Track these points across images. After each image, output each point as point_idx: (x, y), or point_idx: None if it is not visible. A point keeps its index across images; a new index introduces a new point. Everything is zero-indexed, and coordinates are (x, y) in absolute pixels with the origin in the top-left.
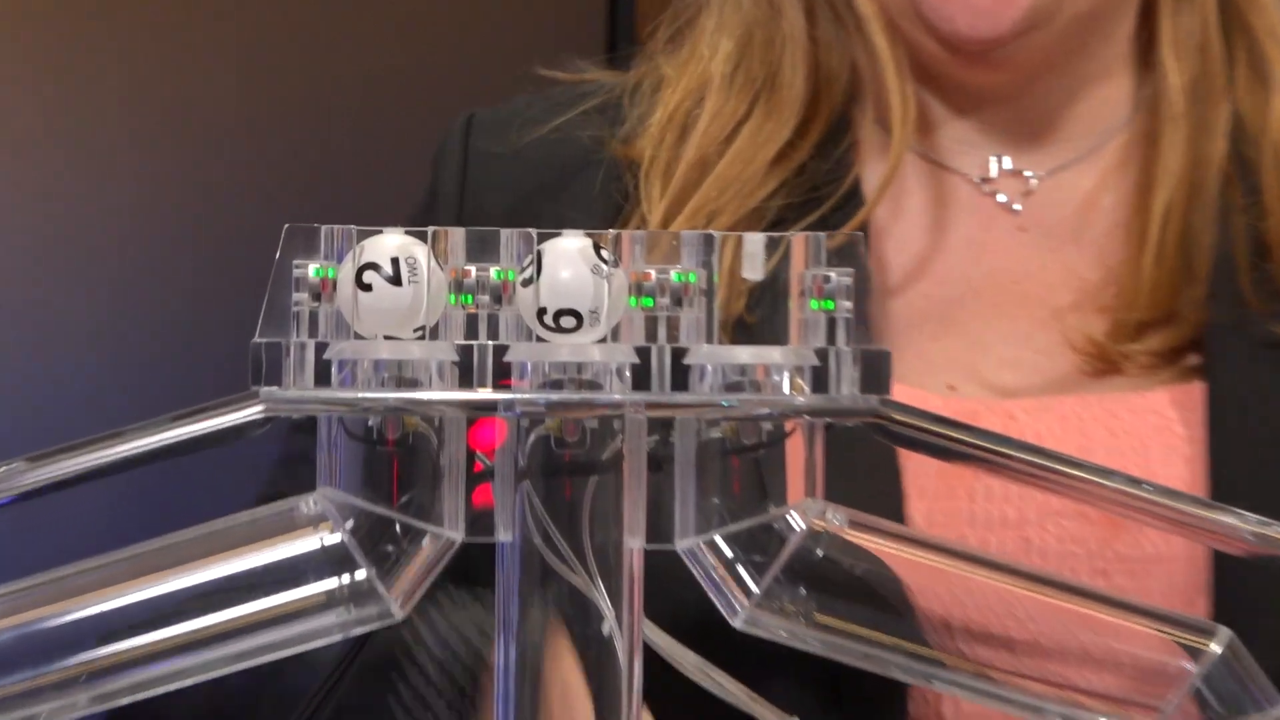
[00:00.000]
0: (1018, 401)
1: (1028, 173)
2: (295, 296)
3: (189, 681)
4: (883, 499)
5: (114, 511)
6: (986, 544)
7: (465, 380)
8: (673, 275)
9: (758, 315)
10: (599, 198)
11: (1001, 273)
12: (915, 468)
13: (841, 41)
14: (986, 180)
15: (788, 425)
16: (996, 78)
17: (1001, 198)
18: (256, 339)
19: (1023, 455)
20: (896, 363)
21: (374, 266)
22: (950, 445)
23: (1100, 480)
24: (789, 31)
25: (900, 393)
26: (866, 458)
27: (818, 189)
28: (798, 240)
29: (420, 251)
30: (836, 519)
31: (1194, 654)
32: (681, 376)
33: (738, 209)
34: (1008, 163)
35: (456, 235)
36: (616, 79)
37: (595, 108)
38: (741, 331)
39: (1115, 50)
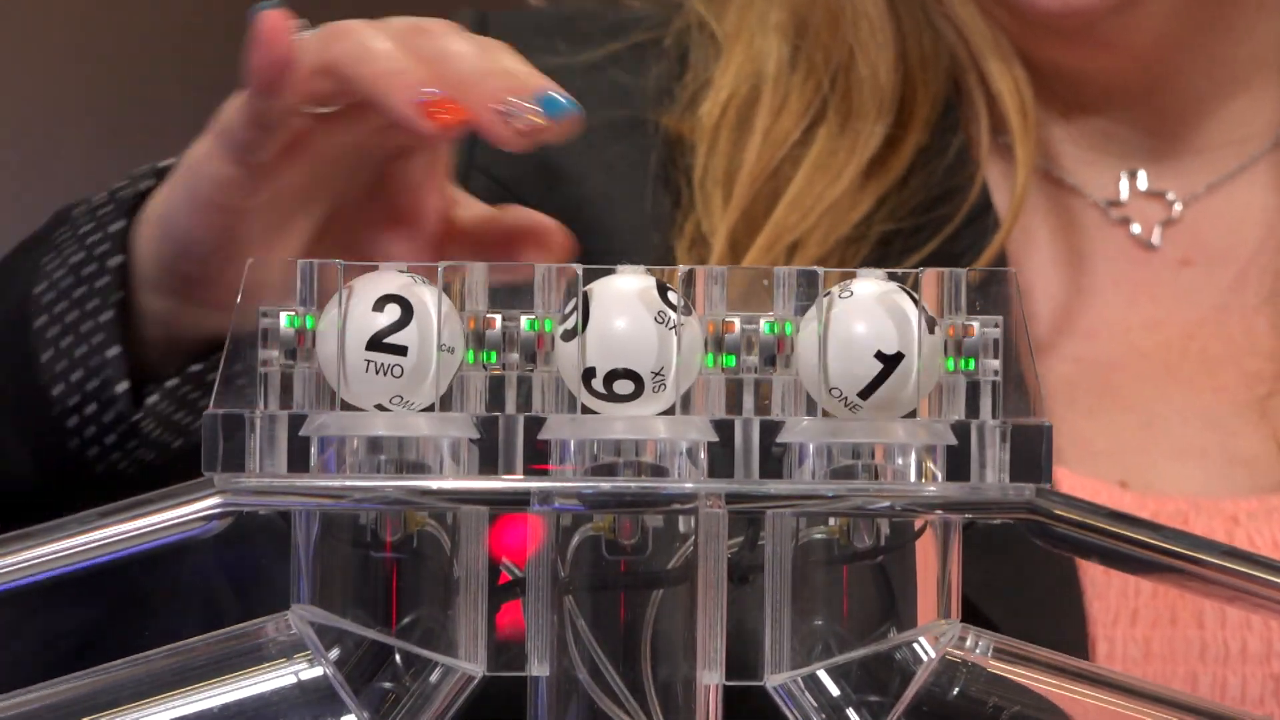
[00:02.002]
0: (1215, 503)
1: (1170, 195)
2: (263, 354)
3: None
4: (1065, 622)
5: None
6: (1223, 683)
7: (487, 464)
8: (763, 326)
9: None
10: (656, 181)
11: (1168, 325)
12: (1120, 582)
13: (930, 22)
14: (1115, 204)
15: (915, 523)
16: (1110, 64)
17: (1136, 228)
18: (211, 409)
19: (1246, 570)
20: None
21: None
22: (1136, 554)
23: None
24: (860, 6)
25: (1066, 482)
26: (1046, 566)
27: (932, 206)
28: (929, 278)
29: (428, 294)
30: (979, 646)
31: None
32: (774, 459)
33: (826, 236)
34: (1143, 181)
35: (477, 272)
36: (656, 10)
37: (643, 46)
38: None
39: (1264, 41)
